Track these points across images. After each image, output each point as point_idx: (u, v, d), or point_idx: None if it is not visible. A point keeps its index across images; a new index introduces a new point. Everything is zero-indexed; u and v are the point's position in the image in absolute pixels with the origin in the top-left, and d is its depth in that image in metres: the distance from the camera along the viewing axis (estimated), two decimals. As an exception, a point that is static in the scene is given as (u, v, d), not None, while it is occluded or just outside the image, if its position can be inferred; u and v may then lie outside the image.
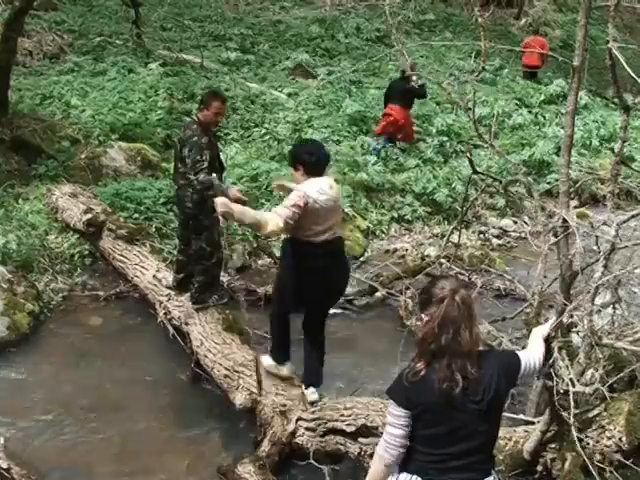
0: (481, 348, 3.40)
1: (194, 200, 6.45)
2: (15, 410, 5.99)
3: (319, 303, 5.64)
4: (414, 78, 11.84)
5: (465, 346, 3.23)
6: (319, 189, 5.17)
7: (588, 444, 4.36)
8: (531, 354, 3.69)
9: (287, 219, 4.98)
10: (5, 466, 5.23)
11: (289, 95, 13.45)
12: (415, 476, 3.34)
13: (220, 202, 4.89)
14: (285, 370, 5.80)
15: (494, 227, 10.81)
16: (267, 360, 5.86)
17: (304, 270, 5.29)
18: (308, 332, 5.71)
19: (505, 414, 5.42)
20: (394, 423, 3.31)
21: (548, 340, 3.96)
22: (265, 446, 5.38)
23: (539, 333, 3.96)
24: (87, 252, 8.28)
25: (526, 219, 11.02)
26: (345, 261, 5.85)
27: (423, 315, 3.35)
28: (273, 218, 4.98)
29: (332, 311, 7.64)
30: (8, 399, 6.14)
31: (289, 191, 5.30)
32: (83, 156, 8.79)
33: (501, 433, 4.77)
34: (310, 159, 5.27)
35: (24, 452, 5.46)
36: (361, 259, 9.13)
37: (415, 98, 12.30)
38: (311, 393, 5.57)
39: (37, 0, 11.74)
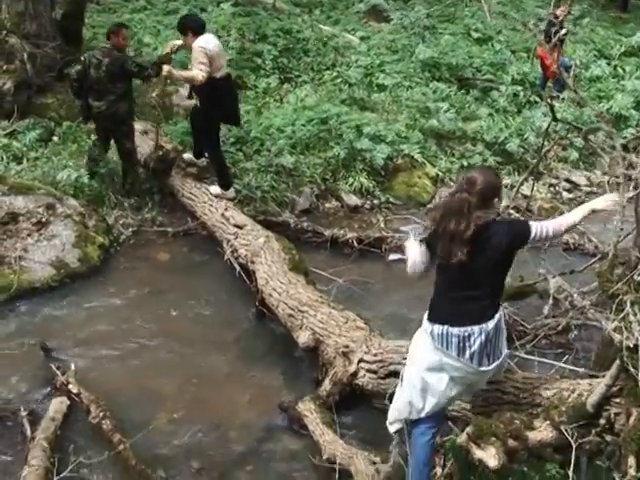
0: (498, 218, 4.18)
1: (127, 110, 7.92)
2: (85, 339, 6.18)
3: (224, 121, 7.93)
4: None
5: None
6: (208, 40, 7.33)
7: (655, 400, 4.28)
8: (546, 223, 4.22)
9: (205, 71, 7.17)
10: (75, 391, 5.43)
11: (361, 39, 13.26)
12: (446, 326, 4.13)
13: (165, 69, 7.47)
14: (230, 193, 7.81)
15: (565, 180, 10.56)
16: (215, 189, 7.80)
17: (212, 101, 7.38)
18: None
19: (568, 367, 5.44)
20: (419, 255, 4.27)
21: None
22: (326, 385, 5.44)
23: (588, 205, 4.45)
24: (156, 189, 8.38)
25: (598, 173, 10.75)
26: (235, 90, 8.15)
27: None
28: (198, 73, 7.18)
29: (397, 256, 7.73)
30: (78, 328, 6.32)
31: (178, 48, 7.60)
32: (154, 94, 8.81)
33: (564, 385, 4.75)
34: (195, 24, 7.47)
35: (93, 378, 5.63)
36: (428, 206, 9.03)
37: None
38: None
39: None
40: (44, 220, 7.25)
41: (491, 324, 4.13)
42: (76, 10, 10.19)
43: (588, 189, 10.41)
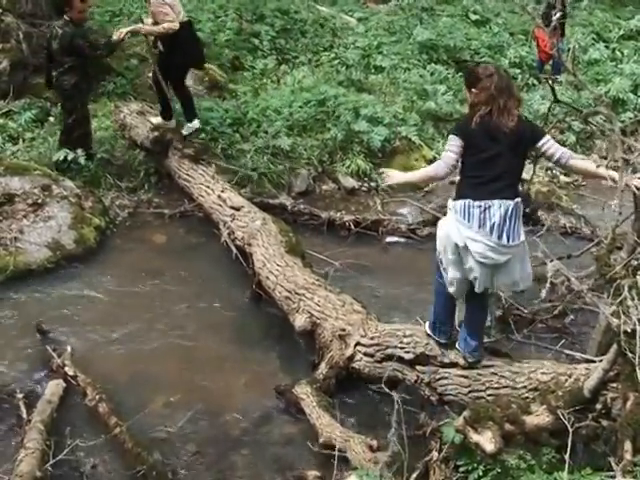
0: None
1: (72, 84, 7.80)
2: (81, 321, 6.17)
3: (191, 63, 8.32)
4: None
5: (513, 105, 4.55)
6: None
7: (652, 385, 4.28)
8: (560, 148, 4.71)
9: (172, 22, 7.62)
10: (72, 373, 5.43)
11: (359, 20, 13.19)
12: (468, 200, 4.54)
13: (141, 28, 7.97)
14: (172, 124, 8.32)
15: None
16: (157, 119, 8.34)
17: (176, 46, 7.74)
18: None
19: (565, 351, 5.45)
20: (449, 149, 4.61)
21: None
22: (322, 369, 5.44)
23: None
24: (153, 170, 8.34)
25: (596, 157, 10.70)
26: (198, 38, 8.55)
27: (474, 89, 4.62)
28: (170, 23, 7.63)
29: (394, 239, 7.73)
30: (74, 311, 6.31)
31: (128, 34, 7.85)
32: (151, 74, 8.78)
33: (561, 370, 4.77)
34: None
35: (90, 361, 5.63)
36: (425, 189, 9.01)
37: None
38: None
39: None
40: (40, 201, 7.23)
41: (510, 202, 4.54)
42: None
43: (586, 172, 10.35)
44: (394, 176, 4.94)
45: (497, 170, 4.54)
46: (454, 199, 4.67)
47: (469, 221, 4.54)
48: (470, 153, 4.58)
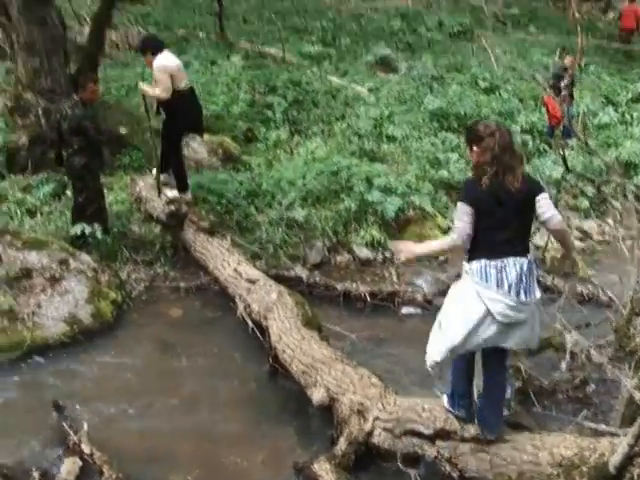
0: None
1: (82, 165, 7.89)
2: (98, 397, 6.13)
3: (189, 130, 8.76)
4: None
5: (518, 163, 4.60)
6: (166, 58, 8.16)
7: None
8: (553, 210, 4.69)
9: (166, 87, 7.96)
10: (88, 451, 5.37)
11: (370, 90, 13.39)
12: (484, 260, 4.59)
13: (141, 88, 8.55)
14: (187, 195, 8.58)
15: (577, 229, 10.53)
16: (173, 192, 8.53)
17: (177, 111, 8.15)
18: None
19: (588, 424, 5.36)
20: (462, 218, 4.60)
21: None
22: (341, 444, 5.35)
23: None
24: (169, 243, 8.41)
25: (611, 222, 10.71)
26: (199, 101, 8.70)
27: (476, 148, 4.63)
28: (161, 90, 8.01)
29: (411, 310, 7.70)
30: (91, 386, 6.29)
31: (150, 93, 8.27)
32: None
33: (585, 444, 4.69)
34: (154, 44, 8.28)
35: (106, 437, 5.56)
36: (441, 258, 9.03)
37: None
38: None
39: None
40: (57, 275, 7.27)
41: (524, 260, 4.63)
42: (89, 65, 10.33)
43: (600, 238, 10.37)
44: (406, 250, 4.88)
45: (509, 231, 4.62)
46: (467, 261, 4.71)
47: (486, 281, 4.59)
48: (481, 218, 4.61)
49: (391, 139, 11.61)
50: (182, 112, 8.19)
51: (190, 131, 8.79)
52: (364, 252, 8.92)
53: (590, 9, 21.87)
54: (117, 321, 7.24)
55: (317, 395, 5.67)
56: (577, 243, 10.05)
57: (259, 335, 6.68)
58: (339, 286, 7.80)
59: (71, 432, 5.53)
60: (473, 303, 4.62)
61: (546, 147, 12.02)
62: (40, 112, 9.57)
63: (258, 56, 14.05)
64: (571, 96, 12.62)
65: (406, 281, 8.21)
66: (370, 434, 5.31)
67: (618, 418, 5.17)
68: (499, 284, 4.57)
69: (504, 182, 4.56)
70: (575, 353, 6.01)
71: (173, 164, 8.58)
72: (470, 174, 4.93)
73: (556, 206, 9.50)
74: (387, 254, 8.81)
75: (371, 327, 6.97)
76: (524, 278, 4.60)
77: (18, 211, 8.65)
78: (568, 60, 12.94)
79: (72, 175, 8.16)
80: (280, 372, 6.32)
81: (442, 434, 5.10)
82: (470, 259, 4.69)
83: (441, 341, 4.79)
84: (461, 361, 4.89)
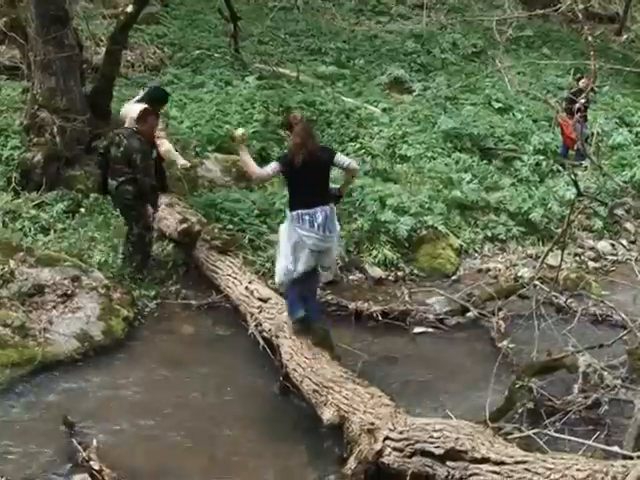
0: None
1: (134, 194, 7.78)
2: (108, 414, 6.14)
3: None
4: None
5: (316, 144, 6.59)
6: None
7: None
8: (349, 160, 6.71)
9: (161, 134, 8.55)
10: (97, 468, 5.35)
11: (384, 110, 13.40)
12: (300, 209, 6.33)
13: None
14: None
15: (590, 249, 10.50)
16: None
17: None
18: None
19: (600, 446, 5.29)
20: (273, 167, 6.51)
21: None
22: (351, 464, 5.32)
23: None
24: (181, 261, 8.43)
25: (624, 242, 10.67)
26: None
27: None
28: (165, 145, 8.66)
29: (422, 329, 7.68)
30: (101, 403, 6.29)
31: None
32: (180, 166, 8.97)
33: (597, 467, 4.61)
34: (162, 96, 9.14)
35: (115, 455, 5.55)
36: (453, 278, 9.01)
37: None
38: None
39: (140, 15, 12.05)
40: (69, 292, 7.30)
41: (327, 207, 6.37)
42: (105, 85, 10.43)
43: (614, 258, 10.33)
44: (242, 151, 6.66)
45: (314, 188, 6.36)
46: (290, 211, 6.42)
47: (302, 224, 6.30)
48: (295, 181, 6.45)
49: (404, 159, 11.63)
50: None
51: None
52: (377, 271, 8.93)
53: (604, 31, 21.82)
54: (128, 338, 7.24)
55: (327, 414, 5.66)
56: (590, 263, 10.04)
57: (270, 353, 6.69)
58: (351, 305, 7.80)
59: (80, 448, 5.51)
60: (294, 237, 6.34)
61: (559, 167, 12.02)
62: (55, 130, 9.64)
63: (273, 77, 14.10)
64: (584, 117, 12.59)
65: (418, 301, 8.18)
66: (380, 454, 5.26)
67: (631, 440, 5.11)
68: (311, 225, 6.29)
69: (308, 156, 6.27)
70: (588, 374, 5.96)
71: None
72: None
73: (570, 227, 9.66)
74: (399, 273, 8.80)
75: (383, 346, 6.95)
76: (327, 220, 6.34)
77: (32, 228, 8.69)
78: (583, 82, 12.94)
79: (123, 205, 8.03)
80: (291, 391, 6.31)
81: (453, 454, 5.04)
82: (291, 209, 6.41)
83: (281, 264, 6.48)
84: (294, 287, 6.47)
